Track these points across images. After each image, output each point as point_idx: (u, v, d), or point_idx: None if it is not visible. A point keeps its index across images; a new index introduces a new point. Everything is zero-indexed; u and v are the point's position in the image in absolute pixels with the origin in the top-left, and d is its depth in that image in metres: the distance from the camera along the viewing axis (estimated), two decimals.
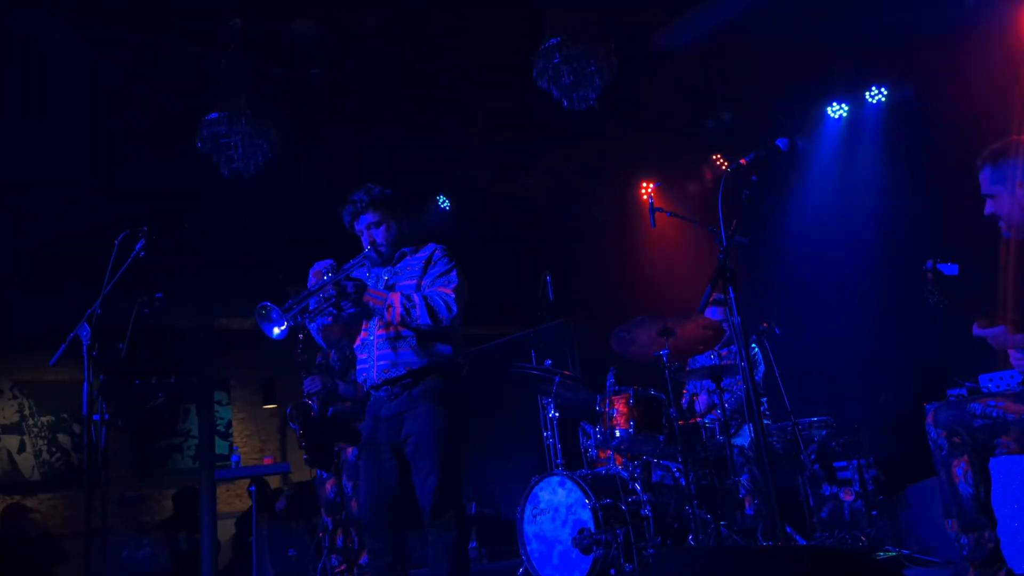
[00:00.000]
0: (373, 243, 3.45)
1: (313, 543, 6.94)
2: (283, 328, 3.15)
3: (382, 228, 3.46)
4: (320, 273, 3.39)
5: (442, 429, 3.23)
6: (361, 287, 3.31)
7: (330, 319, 3.43)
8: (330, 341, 3.52)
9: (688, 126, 7.45)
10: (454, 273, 3.37)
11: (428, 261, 3.43)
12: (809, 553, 1.96)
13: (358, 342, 3.47)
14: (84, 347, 3.54)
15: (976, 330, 2.98)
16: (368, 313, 3.37)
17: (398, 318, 3.24)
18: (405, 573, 3.31)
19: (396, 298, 3.26)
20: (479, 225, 8.01)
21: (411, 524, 3.34)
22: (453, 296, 3.26)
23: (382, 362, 3.32)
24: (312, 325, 3.47)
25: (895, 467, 4.94)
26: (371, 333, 3.39)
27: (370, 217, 3.46)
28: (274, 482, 9.06)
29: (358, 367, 3.47)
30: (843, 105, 7.05)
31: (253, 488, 6.50)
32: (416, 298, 3.26)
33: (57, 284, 6.64)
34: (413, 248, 3.51)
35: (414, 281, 3.40)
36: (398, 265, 3.50)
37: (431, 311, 3.22)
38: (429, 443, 3.21)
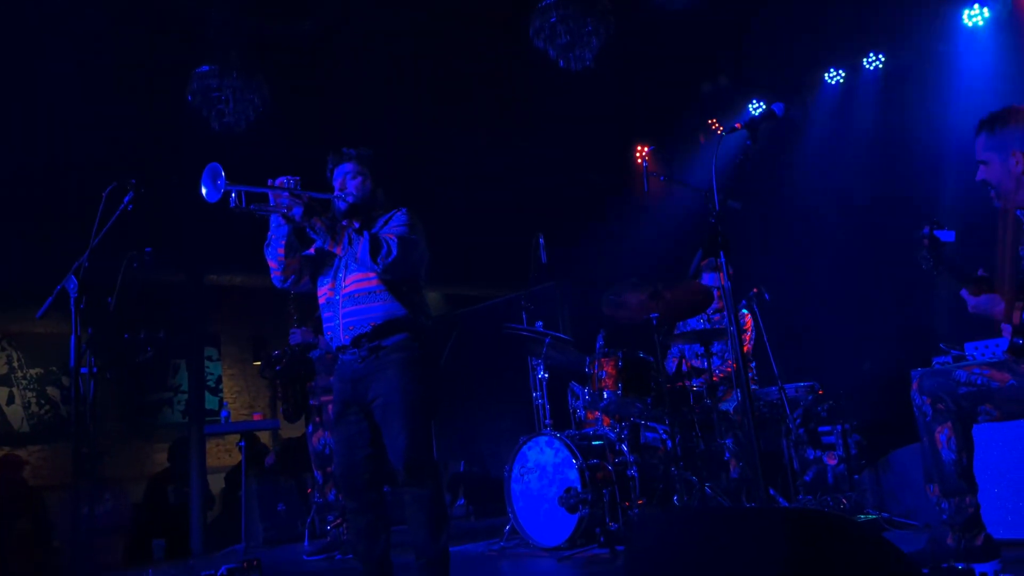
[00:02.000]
0: (343, 189, 3.44)
1: (302, 498, 7.02)
2: (217, 196, 3.06)
3: (358, 180, 3.45)
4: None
5: (410, 389, 3.24)
6: (315, 205, 3.28)
7: (283, 247, 3.34)
8: (288, 271, 3.43)
9: (684, 90, 7.39)
10: (407, 228, 3.36)
11: (389, 219, 3.43)
12: (790, 515, 1.99)
13: (322, 300, 3.46)
14: (71, 300, 3.51)
15: (965, 295, 2.98)
16: (313, 229, 3.29)
17: (341, 245, 3.25)
18: (387, 531, 3.34)
19: (346, 230, 3.27)
20: (473, 186, 7.95)
21: (390, 481, 3.36)
22: (396, 241, 3.24)
23: (348, 319, 3.32)
24: (272, 254, 3.38)
25: (879, 432, 4.99)
26: (336, 292, 3.39)
27: (349, 167, 3.46)
28: (265, 438, 9.12)
29: (324, 327, 3.46)
30: (840, 71, 7.00)
31: (243, 443, 6.56)
32: (365, 234, 3.26)
33: (45, 235, 6.59)
34: (380, 212, 3.50)
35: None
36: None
37: (373, 248, 3.22)
38: (397, 403, 3.22)
